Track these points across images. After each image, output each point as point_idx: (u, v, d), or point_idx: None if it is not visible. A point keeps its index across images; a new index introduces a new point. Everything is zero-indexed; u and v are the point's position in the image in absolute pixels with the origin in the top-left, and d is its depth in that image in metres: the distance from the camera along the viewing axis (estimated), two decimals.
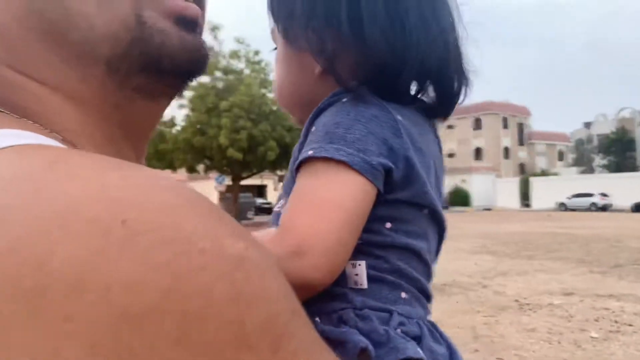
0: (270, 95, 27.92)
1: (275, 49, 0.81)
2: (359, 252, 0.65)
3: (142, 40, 0.53)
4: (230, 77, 27.32)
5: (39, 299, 0.33)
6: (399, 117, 0.69)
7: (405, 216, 0.69)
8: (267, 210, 43.63)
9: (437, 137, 0.79)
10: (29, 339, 0.33)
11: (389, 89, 0.71)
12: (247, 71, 27.85)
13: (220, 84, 27.23)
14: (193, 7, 0.57)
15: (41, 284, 0.33)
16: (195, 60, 0.58)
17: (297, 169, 0.68)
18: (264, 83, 27.69)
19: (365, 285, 0.65)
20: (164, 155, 27.10)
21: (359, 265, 0.66)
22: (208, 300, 0.35)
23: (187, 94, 26.88)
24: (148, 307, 0.34)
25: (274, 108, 26.65)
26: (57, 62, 0.53)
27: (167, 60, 0.55)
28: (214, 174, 33.51)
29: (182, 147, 26.35)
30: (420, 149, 0.70)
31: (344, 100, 0.70)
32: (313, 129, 0.69)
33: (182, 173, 33.66)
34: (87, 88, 0.54)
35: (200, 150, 26.36)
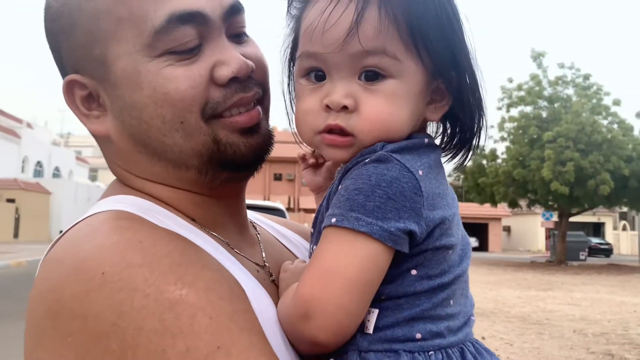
0: (604, 122, 24.98)
1: (380, 77, 0.77)
2: (377, 301, 0.72)
3: (219, 152, 0.78)
4: (556, 105, 25.41)
5: (57, 319, 0.62)
6: (420, 173, 0.72)
7: (430, 262, 0.74)
8: (604, 251, 38.77)
9: None
10: (50, 345, 0.62)
11: (455, 141, 0.86)
12: (575, 98, 25.48)
13: (543, 114, 25.58)
14: (254, 115, 0.81)
15: (56, 310, 0.62)
16: (261, 153, 0.82)
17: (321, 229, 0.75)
18: (596, 109, 24.91)
19: (370, 331, 0.72)
20: (483, 188, 26.68)
21: (372, 312, 0.72)
22: (140, 331, 0.59)
23: (507, 125, 26.12)
24: (104, 332, 0.59)
25: (609, 136, 23.69)
26: (159, 169, 0.81)
27: (240, 162, 0.80)
28: (538, 209, 31.51)
29: (502, 180, 25.52)
30: (440, 193, 0.76)
31: (367, 161, 0.73)
32: (340, 188, 0.73)
33: (503, 207, 32.76)
34: (183, 183, 0.82)
35: (522, 183, 25.10)
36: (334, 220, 0.70)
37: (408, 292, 0.73)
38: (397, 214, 0.69)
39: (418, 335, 0.72)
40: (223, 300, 0.64)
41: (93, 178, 54.46)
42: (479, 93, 0.83)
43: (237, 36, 0.83)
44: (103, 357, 0.60)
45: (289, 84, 0.87)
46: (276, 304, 0.76)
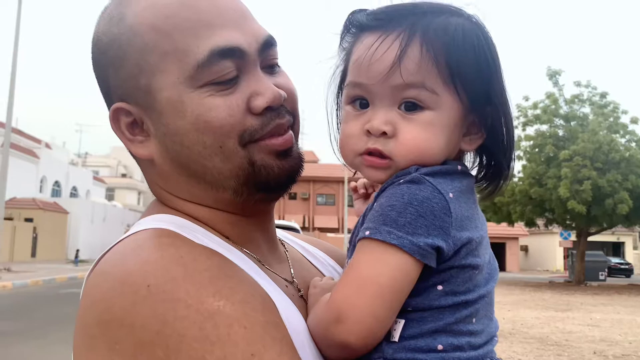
0: (622, 141, 24.72)
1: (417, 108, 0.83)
2: (404, 312, 0.77)
3: (254, 174, 0.84)
4: (572, 123, 25.22)
5: (106, 328, 0.68)
6: (451, 195, 0.78)
7: (456, 279, 0.79)
8: (624, 271, 38.12)
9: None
10: (100, 351, 0.68)
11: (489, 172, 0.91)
12: (592, 116, 25.28)
13: (559, 132, 25.39)
14: (287, 139, 0.87)
15: (106, 319, 0.69)
16: (293, 175, 0.89)
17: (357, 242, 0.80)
18: (613, 127, 24.68)
19: (396, 339, 0.77)
20: (500, 207, 26.44)
21: (398, 322, 0.77)
22: (182, 339, 0.65)
23: (523, 143, 25.95)
24: (149, 340, 0.66)
25: (627, 155, 23.42)
26: (198, 191, 0.87)
27: (274, 184, 0.86)
28: (555, 228, 31.12)
29: (519, 199, 25.28)
30: (469, 216, 0.81)
31: (401, 181, 0.79)
32: (375, 205, 0.79)
33: (520, 226, 32.39)
34: (219, 203, 0.88)
35: (539, 202, 24.85)
36: (367, 233, 0.77)
37: (433, 306, 0.78)
38: (427, 230, 0.75)
39: (439, 347, 0.77)
40: (256, 312, 0.70)
41: (110, 197, 54.98)
42: (512, 129, 0.89)
43: (271, 67, 0.90)
44: None
45: (337, 110, 0.94)
46: (305, 318, 0.81)
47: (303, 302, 0.88)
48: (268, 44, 0.88)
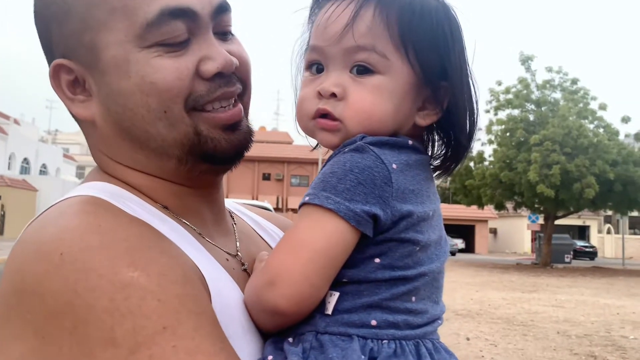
0: (590, 127, 25.21)
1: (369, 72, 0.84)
2: (339, 284, 0.77)
3: (199, 144, 0.81)
4: (543, 108, 25.60)
5: (20, 297, 0.67)
6: (394, 166, 0.78)
7: (394, 252, 0.78)
8: (588, 254, 39.15)
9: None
10: (13, 321, 0.67)
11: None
12: (562, 102, 25.70)
13: (530, 117, 25.76)
14: (235, 113, 0.84)
15: (20, 288, 0.67)
16: (241, 149, 0.86)
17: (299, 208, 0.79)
18: (583, 113, 25.14)
19: (329, 312, 0.76)
20: (470, 190, 26.84)
21: (332, 295, 0.76)
22: (91, 310, 0.63)
23: (495, 128, 26.28)
24: (59, 310, 0.64)
25: (595, 140, 23.91)
26: (141, 157, 0.84)
27: (220, 155, 0.84)
28: (524, 211, 31.72)
29: (489, 183, 25.68)
30: (414, 190, 0.80)
31: (346, 150, 0.79)
32: (319, 173, 0.80)
33: (490, 209, 32.94)
34: (163, 172, 0.85)
35: (508, 186, 25.28)
36: (307, 198, 0.77)
37: (369, 279, 0.77)
38: (365, 197, 0.75)
39: (373, 322, 0.75)
40: (175, 284, 0.67)
41: (80, 176, 54.07)
42: (474, 111, 0.88)
43: (223, 34, 0.87)
44: (57, 334, 0.64)
45: (301, 79, 0.93)
46: (243, 292, 0.80)
47: (247, 275, 0.86)
48: (222, 9, 0.86)
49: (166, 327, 0.64)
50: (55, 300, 0.64)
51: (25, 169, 44.32)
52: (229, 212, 1.01)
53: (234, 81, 0.85)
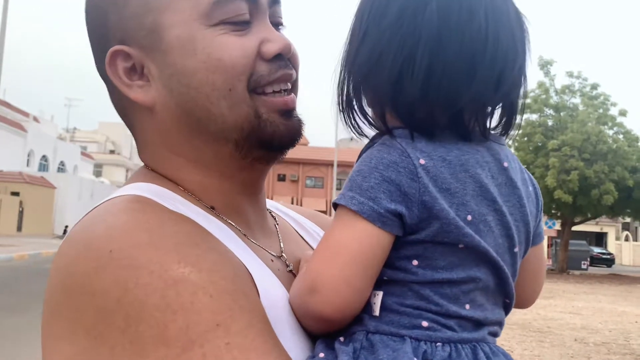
0: (610, 132, 24.88)
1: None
2: (382, 284, 0.74)
3: (259, 128, 0.81)
4: (562, 113, 25.32)
5: (69, 295, 0.67)
6: (422, 161, 0.73)
7: (431, 254, 0.73)
8: (606, 261, 38.63)
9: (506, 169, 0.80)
10: (64, 318, 0.67)
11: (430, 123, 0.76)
12: (581, 107, 25.39)
13: (549, 122, 25.49)
14: (291, 99, 0.85)
15: (69, 286, 0.67)
16: (296, 136, 0.86)
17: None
18: (602, 119, 24.82)
19: (376, 313, 0.73)
20: None
21: (376, 295, 0.74)
22: (143, 307, 0.62)
23: (513, 132, 26.01)
24: (109, 307, 0.63)
25: (614, 147, 23.60)
26: (198, 143, 0.83)
27: (277, 141, 0.84)
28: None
29: None
30: (451, 190, 0.73)
31: (375, 144, 0.77)
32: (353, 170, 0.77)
33: None
34: (218, 159, 0.84)
35: None
36: (337, 198, 0.75)
37: (411, 280, 0.73)
38: (389, 196, 0.71)
39: (424, 324, 0.72)
40: (225, 280, 0.66)
41: (97, 174, 54.60)
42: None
43: (276, 25, 0.88)
44: (109, 331, 0.63)
45: None
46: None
47: (291, 277, 0.85)
48: (276, 0, 0.88)
49: (219, 324, 0.63)
50: (106, 297, 0.63)
51: (43, 166, 44.87)
52: (270, 212, 1.00)
53: (291, 65, 0.87)
